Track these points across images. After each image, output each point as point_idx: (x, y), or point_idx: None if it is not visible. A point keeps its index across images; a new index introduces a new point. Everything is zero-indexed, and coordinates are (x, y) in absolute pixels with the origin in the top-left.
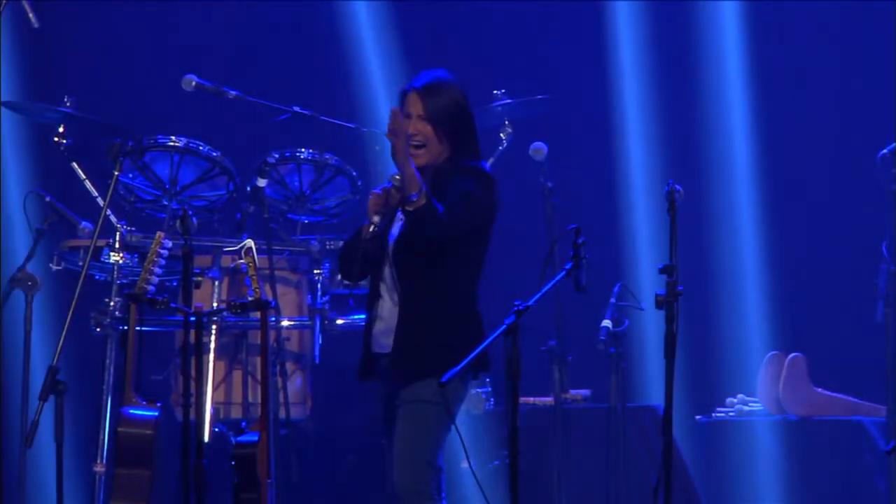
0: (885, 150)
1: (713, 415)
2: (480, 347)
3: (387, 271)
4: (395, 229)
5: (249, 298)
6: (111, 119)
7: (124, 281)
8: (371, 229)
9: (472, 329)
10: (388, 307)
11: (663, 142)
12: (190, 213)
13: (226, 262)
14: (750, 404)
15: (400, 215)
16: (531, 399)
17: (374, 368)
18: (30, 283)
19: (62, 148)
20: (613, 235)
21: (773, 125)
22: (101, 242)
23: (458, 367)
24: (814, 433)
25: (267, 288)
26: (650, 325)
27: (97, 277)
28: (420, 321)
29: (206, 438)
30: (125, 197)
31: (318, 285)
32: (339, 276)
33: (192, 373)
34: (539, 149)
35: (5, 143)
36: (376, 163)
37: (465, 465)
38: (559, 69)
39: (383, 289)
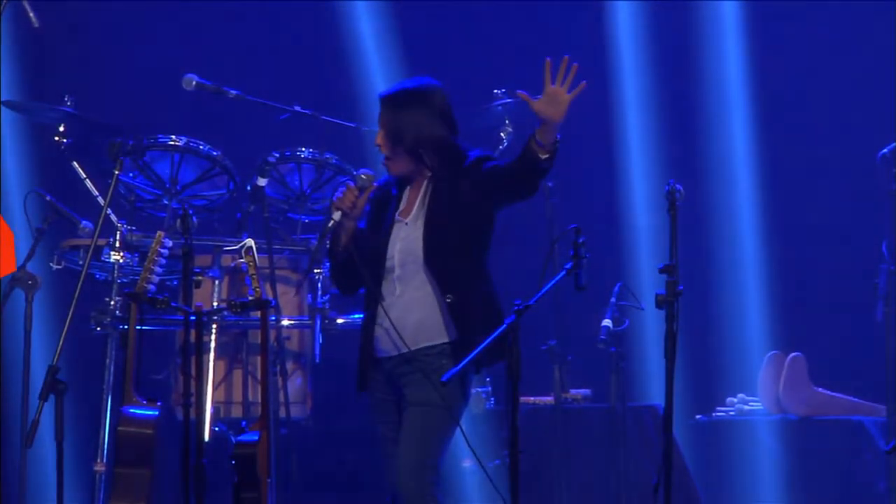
0: (885, 150)
1: (713, 414)
2: (480, 347)
3: (397, 273)
4: (402, 235)
5: (249, 298)
6: (111, 119)
7: (124, 280)
8: (330, 224)
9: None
10: (399, 306)
11: (663, 142)
12: (190, 212)
13: (226, 261)
14: (750, 404)
15: (398, 218)
16: (531, 399)
17: (374, 375)
18: (30, 282)
19: (62, 147)
20: (613, 235)
21: (773, 125)
22: (101, 242)
23: (459, 366)
24: (814, 433)
25: (267, 287)
26: (650, 325)
27: (97, 277)
28: (468, 313)
29: (207, 438)
30: (125, 196)
31: (319, 285)
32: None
33: (193, 372)
34: None
35: (5, 143)
36: (376, 162)
37: (466, 464)
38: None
39: (387, 290)
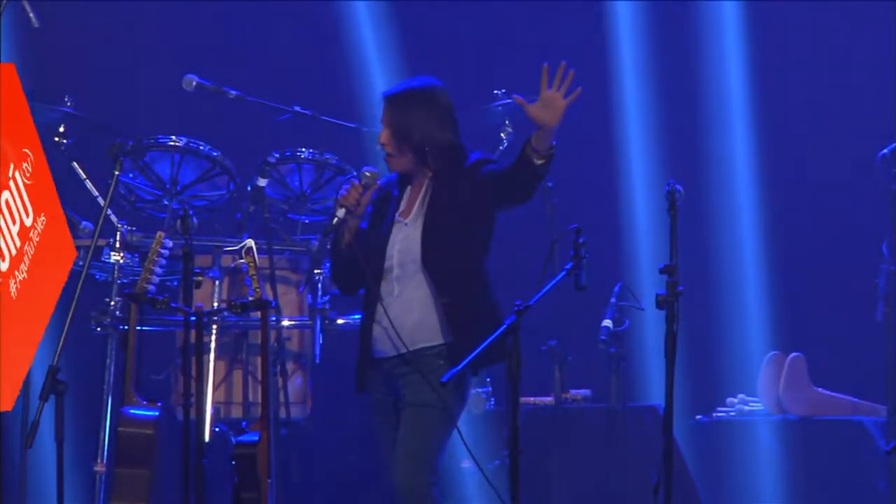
0: (885, 150)
1: (713, 415)
2: (480, 348)
3: (396, 273)
4: (401, 235)
5: (250, 298)
6: (111, 119)
7: (125, 281)
8: (334, 221)
9: (499, 315)
10: (397, 306)
11: (663, 142)
12: (190, 212)
13: (226, 261)
14: (750, 404)
15: (398, 218)
16: (531, 399)
17: (373, 375)
18: None
19: (62, 148)
20: (613, 235)
21: (773, 125)
22: (101, 242)
23: (459, 366)
24: (814, 433)
25: (267, 288)
26: (650, 325)
27: (97, 277)
28: (464, 315)
29: (207, 438)
30: (125, 197)
31: (319, 285)
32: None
33: (193, 373)
34: None
35: None
36: (377, 162)
37: (465, 465)
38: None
39: (385, 290)
